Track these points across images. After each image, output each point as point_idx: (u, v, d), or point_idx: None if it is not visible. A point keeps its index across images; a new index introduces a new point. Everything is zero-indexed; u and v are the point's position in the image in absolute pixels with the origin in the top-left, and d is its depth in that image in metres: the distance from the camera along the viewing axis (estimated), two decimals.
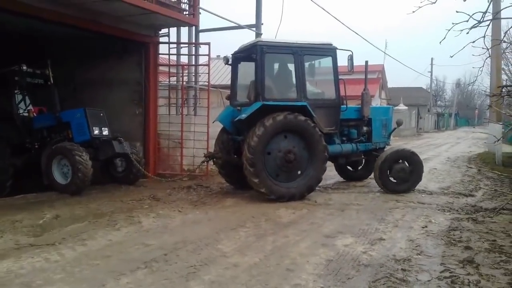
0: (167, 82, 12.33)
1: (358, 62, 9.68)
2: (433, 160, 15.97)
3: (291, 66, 8.75)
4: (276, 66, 9.17)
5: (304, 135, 8.16)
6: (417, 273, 4.38)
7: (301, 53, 8.48)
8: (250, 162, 7.79)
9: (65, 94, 10.08)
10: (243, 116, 8.06)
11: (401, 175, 8.96)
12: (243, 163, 7.93)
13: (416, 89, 63.06)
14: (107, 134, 9.57)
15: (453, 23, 6.28)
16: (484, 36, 6.78)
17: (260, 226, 6.26)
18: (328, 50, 8.88)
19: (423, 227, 6.20)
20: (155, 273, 4.35)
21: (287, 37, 10.08)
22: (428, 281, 4.18)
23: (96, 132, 9.32)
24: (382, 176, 8.94)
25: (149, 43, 11.15)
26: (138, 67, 11.30)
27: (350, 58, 8.93)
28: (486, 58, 7.92)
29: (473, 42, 6.62)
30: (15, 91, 9.88)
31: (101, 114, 9.69)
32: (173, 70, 12.21)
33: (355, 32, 29.22)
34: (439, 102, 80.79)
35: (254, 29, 13.31)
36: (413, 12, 6.81)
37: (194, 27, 11.70)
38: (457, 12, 6.31)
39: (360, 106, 9.66)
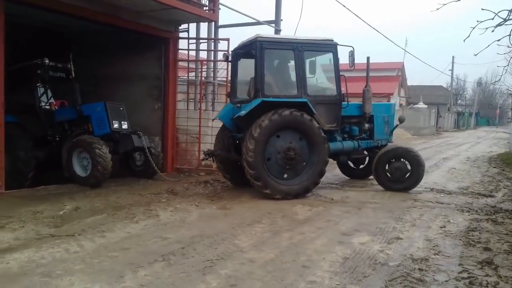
0: (186, 77, 12.40)
1: (378, 59, 9.57)
2: (453, 160, 15.77)
3: (292, 62, 8.60)
4: (276, 62, 8.99)
5: (303, 130, 8.03)
6: (435, 273, 4.34)
7: (302, 49, 8.32)
8: (251, 166, 7.71)
9: (86, 88, 10.22)
10: (242, 113, 7.93)
11: (398, 173, 8.94)
12: (244, 167, 7.88)
13: (436, 87, 62.20)
14: (127, 128, 9.69)
15: (477, 21, 6.19)
16: (510, 35, 6.67)
17: (276, 222, 6.28)
18: (328, 46, 8.71)
19: (441, 227, 6.13)
20: (173, 266, 4.40)
21: (304, 33, 9.98)
22: (446, 281, 4.15)
23: (115, 126, 9.45)
24: (381, 175, 8.97)
25: (169, 39, 11.22)
26: (158, 62, 11.40)
27: (351, 54, 8.77)
28: (511, 58, 7.78)
29: (498, 40, 6.51)
30: (38, 85, 10.07)
31: (121, 108, 9.81)
32: (192, 65, 12.28)
33: (375, 29, 28.99)
34: (459, 101, 79.56)
35: (273, 25, 13.28)
36: (437, 9, 6.73)
37: (213, 22, 11.73)
38: (482, 9, 6.22)
39: (361, 103, 9.47)
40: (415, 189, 9.16)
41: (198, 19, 11.16)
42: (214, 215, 6.77)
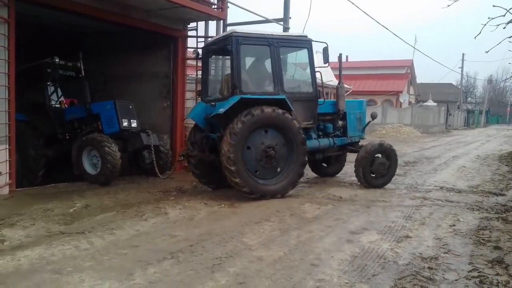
0: (195, 75, 12.42)
1: (388, 55, 9.55)
2: (462, 158, 15.64)
3: (267, 59, 8.26)
4: (251, 58, 8.71)
5: (283, 129, 7.81)
6: (444, 272, 4.32)
7: (277, 45, 8.08)
8: (230, 162, 7.37)
9: (95, 87, 10.28)
10: (221, 110, 7.50)
11: (381, 169, 9.02)
12: (222, 163, 7.52)
13: (446, 85, 61.73)
14: (136, 126, 9.74)
15: (489, 18, 6.13)
16: None
17: (284, 220, 6.28)
18: (303, 42, 8.51)
19: (451, 226, 6.10)
20: (181, 264, 4.42)
21: (313, 33, 9.92)
22: (456, 280, 4.13)
23: (125, 124, 9.51)
24: (365, 170, 8.92)
25: (177, 37, 11.25)
26: (167, 60, 11.44)
27: (325, 51, 8.59)
28: None
29: (510, 37, 6.44)
30: (48, 83, 10.15)
31: (130, 107, 9.86)
32: (200, 63, 12.27)
33: (385, 27, 28.81)
34: (469, 99, 78.92)
35: (281, 23, 13.26)
36: (448, 6, 6.67)
37: (222, 21, 11.74)
38: (493, 6, 6.15)
39: (335, 100, 9.37)
40: (424, 187, 9.17)
41: (207, 18, 11.17)
42: (222, 213, 6.79)
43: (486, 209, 7.20)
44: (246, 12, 12.87)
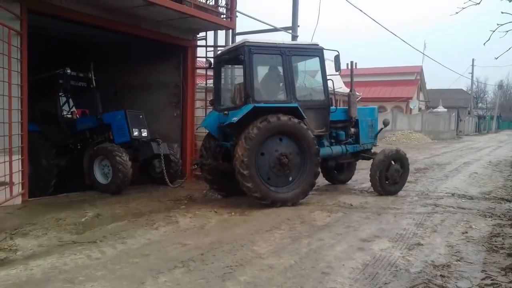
0: (204, 84, 12.51)
1: (397, 60, 9.57)
2: (474, 164, 15.50)
3: (279, 67, 8.36)
4: (264, 67, 8.76)
5: (298, 138, 7.86)
6: (457, 279, 4.28)
7: (289, 53, 8.14)
8: (244, 166, 7.40)
9: (106, 97, 10.39)
10: (234, 119, 7.60)
11: (395, 176, 9.04)
12: (235, 167, 7.53)
13: (456, 91, 61.33)
14: (146, 135, 9.82)
15: (498, 24, 6.10)
16: None
17: (295, 228, 6.26)
18: (315, 51, 8.54)
19: (463, 233, 6.04)
20: (192, 272, 4.43)
21: (320, 38, 9.97)
22: None
23: (135, 133, 9.59)
24: (381, 174, 8.88)
25: (187, 47, 11.36)
26: (177, 70, 11.54)
27: (336, 59, 8.66)
28: None
29: None
30: (60, 94, 10.29)
31: (141, 116, 9.95)
32: (210, 72, 12.36)
33: (393, 33, 28.77)
34: (480, 104, 78.30)
35: (290, 31, 13.33)
36: (456, 13, 6.66)
37: (231, 30, 11.83)
38: (502, 13, 6.13)
39: (347, 107, 9.39)
40: (436, 194, 9.12)
41: (216, 27, 11.27)
42: (232, 221, 6.79)
43: (499, 216, 7.12)
44: (254, 21, 12.98)
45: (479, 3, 6.28)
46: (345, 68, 9.33)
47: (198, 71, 12.25)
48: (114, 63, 11.58)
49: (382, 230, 6.15)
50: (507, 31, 6.12)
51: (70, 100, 10.79)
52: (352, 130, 9.39)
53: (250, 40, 7.98)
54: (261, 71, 8.65)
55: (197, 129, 10.08)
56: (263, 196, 7.56)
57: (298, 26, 13.37)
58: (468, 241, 5.63)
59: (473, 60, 57.12)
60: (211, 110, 9.24)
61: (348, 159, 9.70)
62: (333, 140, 9.14)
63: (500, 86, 75.45)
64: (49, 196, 8.76)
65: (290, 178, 7.90)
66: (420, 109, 45.99)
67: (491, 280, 4.26)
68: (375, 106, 10.87)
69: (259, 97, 7.92)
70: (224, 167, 8.36)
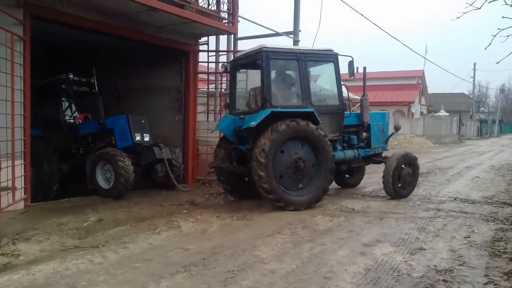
0: (206, 89, 12.55)
1: (398, 64, 9.66)
2: (476, 168, 15.47)
3: (295, 73, 8.52)
4: (280, 72, 8.88)
5: (314, 143, 8.01)
6: (460, 284, 4.27)
7: (305, 59, 8.31)
8: (261, 167, 7.53)
9: (109, 102, 10.42)
10: (253, 123, 7.70)
11: (407, 179, 9.19)
12: (252, 168, 7.68)
13: (458, 95, 61.31)
14: (148, 140, 9.84)
15: (499, 29, 6.12)
16: None
17: (297, 233, 6.26)
18: (330, 56, 8.72)
19: (465, 237, 6.02)
20: (194, 277, 4.43)
21: (321, 43, 10.03)
22: None
23: (138, 138, 9.60)
24: (394, 181, 8.95)
25: (189, 52, 11.39)
26: (179, 75, 11.57)
27: (350, 64, 8.79)
28: None
29: None
30: (62, 99, 10.32)
31: (143, 121, 9.97)
32: (211, 77, 12.43)
33: (395, 38, 28.83)
34: (482, 108, 78.20)
35: (291, 36, 13.36)
36: (457, 18, 6.68)
37: (232, 35, 11.87)
38: (503, 17, 6.15)
39: (359, 112, 9.52)
40: (438, 198, 9.11)
41: (218, 32, 11.31)
42: (234, 226, 6.79)
43: (501, 220, 7.11)
44: (256, 26, 13.03)
45: (480, 8, 6.30)
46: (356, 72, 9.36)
47: (200, 75, 12.29)
48: (116, 68, 11.63)
49: (384, 235, 6.15)
50: (508, 36, 6.14)
51: (73, 105, 10.85)
52: (364, 134, 9.54)
53: (267, 46, 8.12)
54: (278, 76, 8.79)
55: (211, 132, 10.15)
56: (278, 199, 7.68)
57: (300, 30, 13.41)
58: (470, 246, 5.62)
59: (474, 64, 57.25)
60: (225, 113, 9.43)
61: (359, 163, 9.81)
62: (345, 144, 9.28)
63: (502, 90, 75.35)
64: (51, 201, 8.76)
65: (300, 185, 8.01)
66: (422, 113, 46.00)
67: (494, 284, 4.25)
68: (386, 111, 11.06)
69: (275, 101, 8.04)
70: (241, 170, 8.54)
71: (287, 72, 8.87)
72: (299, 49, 8.46)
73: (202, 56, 11.86)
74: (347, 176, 10.57)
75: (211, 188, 10.46)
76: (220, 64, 10.30)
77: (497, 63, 7.06)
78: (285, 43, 12.47)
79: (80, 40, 11.66)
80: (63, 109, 10.41)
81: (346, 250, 5.42)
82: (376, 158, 9.78)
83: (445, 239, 5.94)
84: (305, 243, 5.70)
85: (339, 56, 8.70)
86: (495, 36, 6.08)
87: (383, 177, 9.03)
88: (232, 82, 9.16)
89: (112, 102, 10.52)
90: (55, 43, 11.69)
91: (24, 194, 7.83)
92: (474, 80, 57.91)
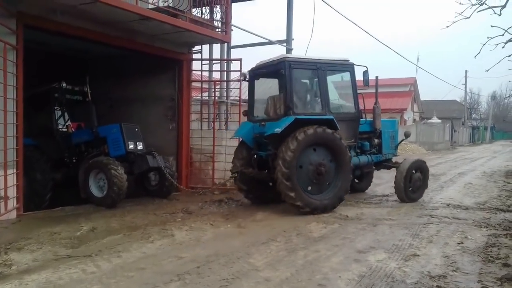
0: (200, 97, 12.57)
1: (390, 72, 9.93)
2: (469, 175, 15.57)
3: (315, 81, 8.94)
4: (301, 81, 9.25)
5: (332, 148, 8.33)
6: None
7: (324, 68, 8.71)
8: (286, 177, 7.85)
9: (102, 110, 10.40)
10: (278, 130, 8.02)
11: (418, 184, 9.59)
12: (277, 177, 7.95)
13: (450, 102, 61.79)
14: (142, 148, 9.81)
15: (488, 37, 6.21)
16: None
17: (291, 240, 6.26)
18: (346, 66, 9.13)
19: (458, 243, 6.05)
20: (188, 286, 4.41)
21: (315, 51, 10.21)
22: None
23: (131, 146, 9.58)
24: (405, 186, 9.33)
25: (182, 60, 11.42)
26: (172, 83, 11.58)
27: (365, 74, 9.18)
28: None
29: (509, 56, 6.51)
30: (55, 108, 10.28)
31: (136, 129, 9.95)
32: (205, 85, 12.46)
33: (387, 46, 29.07)
34: (474, 115, 78.81)
35: (285, 44, 13.44)
36: (447, 27, 6.79)
37: (226, 43, 11.92)
38: (492, 26, 6.24)
39: (372, 119, 9.92)
40: (431, 204, 9.16)
41: (211, 41, 11.35)
42: (229, 234, 6.78)
43: (494, 226, 7.15)
44: (249, 34, 13.09)
45: (469, 17, 6.39)
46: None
47: (194, 84, 12.31)
48: (109, 77, 11.62)
49: (378, 241, 6.16)
50: (497, 44, 6.22)
51: (66, 114, 10.79)
52: (376, 141, 9.95)
53: (289, 56, 8.64)
54: (298, 85, 9.10)
55: (230, 138, 10.40)
56: (305, 205, 7.96)
57: (293, 39, 13.49)
58: (463, 252, 5.65)
59: (466, 71, 57.75)
60: (244, 120, 9.83)
61: (371, 169, 10.24)
62: (358, 150, 9.62)
63: (493, 97, 75.99)
64: (44, 210, 8.70)
65: (323, 189, 8.34)
66: (414, 120, 46.26)
67: None
68: (396, 119, 11.63)
69: (297, 109, 8.45)
70: (261, 175, 8.85)
71: (308, 81, 9.32)
72: (319, 59, 8.79)
73: (196, 65, 11.89)
74: (356, 181, 10.83)
75: (205, 196, 10.44)
76: (241, 73, 10.45)
77: (487, 70, 7.20)
78: (280, 52, 12.53)
79: (73, 49, 11.66)
80: (56, 118, 10.36)
81: (340, 257, 5.43)
82: (386, 164, 10.20)
83: (438, 245, 5.96)
84: (299, 251, 5.70)
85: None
86: (484, 44, 6.17)
87: (395, 182, 9.45)
88: (251, 90, 9.48)
89: (105, 111, 10.49)
90: (48, 52, 11.67)
91: (17, 203, 7.78)
92: (465, 87, 58.44)
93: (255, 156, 9.01)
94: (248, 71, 9.46)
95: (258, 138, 8.92)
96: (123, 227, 7.21)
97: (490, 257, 5.39)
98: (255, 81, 9.45)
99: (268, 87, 9.57)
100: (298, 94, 8.91)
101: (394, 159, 10.47)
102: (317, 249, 5.75)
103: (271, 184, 8.88)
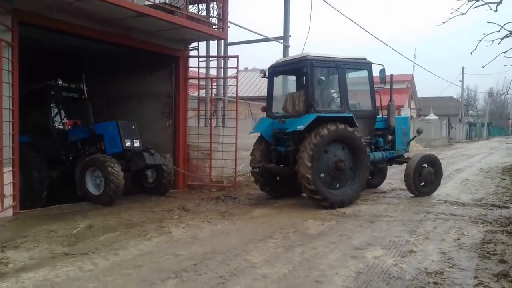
0: (196, 94, 12.54)
1: (387, 70, 10.01)
2: (466, 171, 15.60)
3: (335, 79, 9.23)
4: (322, 79, 9.44)
5: (351, 145, 8.67)
6: (450, 286, 4.30)
7: (343, 67, 9.00)
8: (307, 171, 8.11)
9: (99, 108, 10.37)
10: (300, 127, 8.34)
11: (428, 178, 9.82)
12: (298, 172, 8.24)
13: (447, 98, 61.87)
14: (139, 146, 9.77)
15: (484, 34, 6.21)
16: None
17: (288, 237, 6.27)
18: (364, 64, 9.43)
19: (455, 240, 6.07)
20: (185, 283, 4.41)
21: (312, 49, 10.23)
22: None
23: (128, 144, 9.54)
24: (415, 179, 9.61)
25: (179, 57, 11.38)
26: (169, 80, 11.54)
27: (381, 72, 9.55)
28: None
29: (505, 52, 6.51)
30: (51, 105, 10.24)
31: (133, 127, 9.91)
32: (202, 82, 12.42)
33: (384, 43, 28.96)
34: (470, 112, 78.95)
35: (281, 41, 13.42)
36: (443, 23, 6.78)
37: (222, 40, 11.88)
38: (488, 22, 6.24)
39: (386, 116, 10.22)
40: (428, 201, 9.17)
41: (208, 38, 11.31)
42: (226, 231, 6.78)
43: (491, 222, 7.17)
44: (246, 31, 13.06)
45: (465, 13, 6.38)
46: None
47: (191, 81, 12.28)
48: (106, 74, 11.57)
49: (375, 238, 6.18)
50: (493, 40, 6.22)
51: (62, 111, 10.73)
52: (390, 137, 10.28)
53: (311, 54, 8.78)
54: (319, 82, 9.27)
55: (249, 134, 10.52)
56: (324, 198, 8.26)
57: (290, 36, 13.47)
58: (460, 248, 5.67)
59: (463, 68, 57.83)
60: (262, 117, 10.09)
61: (384, 164, 10.56)
62: (373, 147, 9.87)
63: (490, 93, 76.17)
64: (40, 208, 8.67)
65: (342, 184, 8.66)
66: (411, 117, 46.29)
67: (484, 286, 4.29)
68: (408, 116, 11.72)
69: (317, 106, 8.73)
70: (281, 170, 9.19)
71: (328, 78, 9.55)
72: (339, 58, 9.06)
73: (192, 62, 11.86)
74: (369, 177, 10.88)
75: (202, 194, 10.43)
76: (260, 70, 10.54)
77: (483, 67, 7.24)
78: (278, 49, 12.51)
79: (70, 45, 11.60)
80: (53, 115, 10.31)
81: (337, 253, 5.44)
82: (399, 159, 10.48)
83: (435, 242, 5.98)
84: (296, 247, 5.70)
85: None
86: (480, 41, 6.17)
87: (405, 176, 9.74)
88: (270, 87, 9.77)
89: (102, 108, 10.45)
90: (44, 49, 11.61)
91: (13, 201, 7.75)
92: (462, 84, 58.50)
93: (275, 151, 9.33)
94: (268, 68, 9.73)
95: (277, 134, 9.26)
96: (120, 224, 7.20)
97: (487, 253, 5.41)
98: (275, 78, 9.77)
99: (288, 84, 10.07)
100: (319, 92, 9.17)
101: (406, 155, 10.78)
102: (314, 246, 5.76)
103: (287, 178, 9.20)
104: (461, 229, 6.67)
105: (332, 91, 9.60)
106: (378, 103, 9.69)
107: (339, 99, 9.12)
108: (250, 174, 9.96)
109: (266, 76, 9.73)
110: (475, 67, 78.35)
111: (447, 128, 42.51)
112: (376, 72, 9.74)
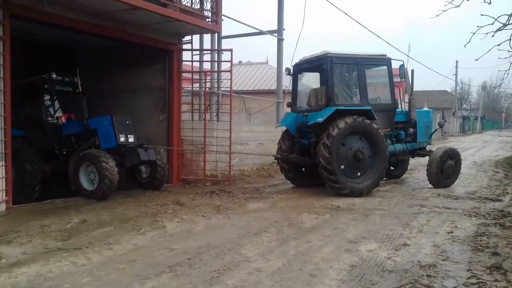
0: (190, 88, 12.49)
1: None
2: None
3: (355, 75, 9.64)
4: (342, 75, 9.92)
5: (369, 136, 9.05)
6: (443, 279, 4.32)
7: (363, 63, 9.44)
8: (327, 161, 8.63)
9: (93, 102, 10.29)
10: (320, 120, 8.85)
11: (450, 171, 10.22)
12: (319, 162, 8.75)
13: (441, 92, 62.02)
14: (133, 141, 9.71)
15: (478, 26, 6.20)
16: (510, 39, 6.66)
17: (282, 231, 6.27)
18: (384, 60, 9.90)
19: (448, 233, 6.11)
20: (179, 277, 4.41)
21: (306, 43, 10.29)
22: (455, 287, 4.13)
23: (122, 139, 9.48)
24: (438, 172, 9.99)
25: (173, 51, 11.32)
26: (162, 74, 11.48)
27: (401, 67, 9.89)
28: None
29: (499, 45, 6.52)
30: (45, 99, 10.15)
31: (127, 122, 9.85)
32: (196, 76, 12.37)
33: (378, 36, 29.06)
34: (464, 105, 79.28)
35: (275, 34, 13.38)
36: (437, 16, 6.77)
37: (216, 34, 11.83)
38: (481, 15, 6.23)
39: (407, 110, 10.69)
40: (422, 194, 9.24)
41: (202, 31, 11.26)
42: (220, 225, 6.77)
43: (484, 215, 7.22)
44: (240, 24, 13.01)
45: (459, 6, 6.38)
46: None
47: (184, 74, 12.22)
48: (99, 68, 11.47)
49: (369, 231, 6.20)
50: (487, 33, 6.22)
51: (56, 105, 10.66)
52: (411, 130, 10.68)
53: (331, 51, 9.26)
54: (339, 78, 9.83)
55: (275, 128, 11.21)
56: (343, 187, 8.77)
57: (284, 29, 13.45)
58: (453, 241, 5.70)
59: (456, 62, 58.06)
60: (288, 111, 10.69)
61: (405, 156, 10.89)
62: (394, 139, 10.33)
63: (484, 87, 76.30)
64: (33, 203, 8.62)
65: (360, 173, 9.09)
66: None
67: (477, 279, 4.31)
68: (430, 110, 12.47)
69: (337, 100, 9.25)
70: (306, 161, 9.76)
71: (347, 74, 10.02)
72: (358, 54, 9.49)
73: (186, 55, 11.80)
74: (392, 168, 11.28)
75: (196, 188, 10.42)
76: (285, 68, 10.97)
77: (476, 60, 7.24)
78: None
79: (62, 39, 11.49)
80: (46, 109, 10.24)
81: (331, 247, 5.45)
82: (420, 152, 10.89)
83: (428, 235, 6.01)
84: (290, 241, 5.71)
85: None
86: (474, 33, 6.16)
87: (428, 169, 10.14)
88: (294, 84, 10.33)
89: (96, 102, 10.38)
90: (36, 43, 11.50)
91: (6, 196, 7.70)
92: (456, 78, 58.67)
93: (299, 143, 9.87)
94: (292, 65, 10.24)
95: (300, 127, 9.82)
96: (114, 219, 7.17)
97: (480, 246, 5.45)
98: (299, 75, 10.29)
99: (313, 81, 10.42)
100: (339, 87, 9.67)
101: (428, 148, 11.18)
102: (308, 240, 5.77)
103: (312, 169, 9.55)
104: (454, 222, 6.71)
105: (352, 86, 10.00)
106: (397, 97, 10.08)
107: (358, 94, 9.54)
108: (276, 162, 10.69)
109: (291, 73, 10.26)
110: (469, 61, 78.67)
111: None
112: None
